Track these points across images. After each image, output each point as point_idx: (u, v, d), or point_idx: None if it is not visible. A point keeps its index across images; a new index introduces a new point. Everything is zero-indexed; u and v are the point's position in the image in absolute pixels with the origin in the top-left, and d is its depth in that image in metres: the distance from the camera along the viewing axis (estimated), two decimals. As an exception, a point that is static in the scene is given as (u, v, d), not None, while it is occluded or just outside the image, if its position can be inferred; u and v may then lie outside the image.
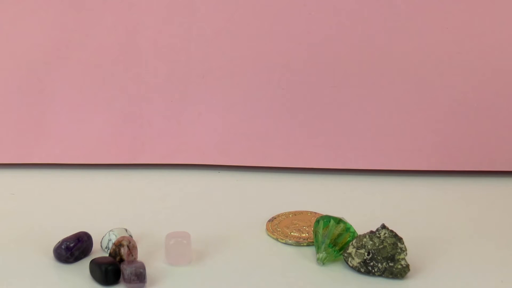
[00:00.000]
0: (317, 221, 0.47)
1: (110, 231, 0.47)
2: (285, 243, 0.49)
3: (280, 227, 0.50)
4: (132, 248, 0.45)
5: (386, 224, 0.46)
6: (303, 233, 0.49)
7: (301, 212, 0.53)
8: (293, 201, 0.57)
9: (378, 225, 0.46)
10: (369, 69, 0.60)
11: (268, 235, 0.50)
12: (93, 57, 0.62)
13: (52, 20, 0.61)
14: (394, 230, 0.45)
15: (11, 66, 0.62)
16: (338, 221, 0.47)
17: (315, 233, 0.47)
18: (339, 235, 0.46)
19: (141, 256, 0.46)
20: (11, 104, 0.63)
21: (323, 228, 0.46)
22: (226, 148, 0.63)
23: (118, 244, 0.44)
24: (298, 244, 0.48)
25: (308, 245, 0.48)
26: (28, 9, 0.61)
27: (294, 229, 0.50)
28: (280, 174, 0.63)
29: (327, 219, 0.47)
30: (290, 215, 0.53)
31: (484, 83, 0.59)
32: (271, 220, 0.52)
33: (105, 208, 0.55)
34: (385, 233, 0.45)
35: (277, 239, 0.49)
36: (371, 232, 0.45)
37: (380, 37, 0.59)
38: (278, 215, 0.53)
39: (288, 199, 0.57)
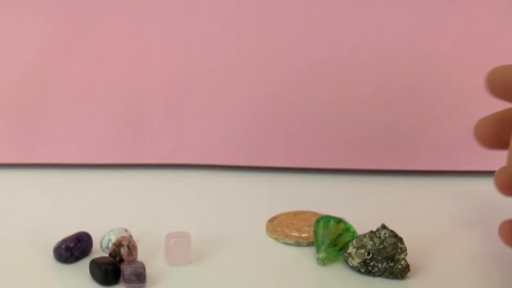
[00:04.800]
0: (317, 221, 0.47)
1: (110, 231, 0.47)
2: (285, 243, 0.49)
3: (280, 227, 0.50)
4: (132, 248, 0.45)
5: (386, 224, 0.46)
6: (303, 233, 0.49)
7: (301, 212, 0.53)
8: (293, 201, 0.57)
9: (378, 225, 0.46)
10: (369, 69, 0.60)
11: (268, 235, 0.50)
12: (93, 57, 0.62)
13: (52, 20, 0.61)
14: (394, 230, 0.45)
15: (11, 66, 0.62)
16: (338, 221, 0.47)
17: (315, 233, 0.47)
18: (339, 235, 0.46)
19: (141, 256, 0.46)
20: (11, 104, 0.63)
21: (323, 228, 0.46)
22: (226, 148, 0.63)
23: (118, 244, 0.44)
24: (298, 244, 0.48)
25: (308, 245, 0.48)
26: (28, 9, 0.61)
27: (294, 229, 0.50)
28: (280, 174, 0.63)
29: (327, 219, 0.47)
30: (290, 215, 0.53)
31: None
32: (271, 220, 0.52)
33: (105, 208, 0.55)
34: (385, 233, 0.45)
35: (277, 239, 0.49)
36: (371, 232, 0.45)
37: (380, 37, 0.59)
38: (278, 215, 0.53)
39: (288, 199, 0.57)
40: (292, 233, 0.49)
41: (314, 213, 0.53)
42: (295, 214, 0.53)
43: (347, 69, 0.60)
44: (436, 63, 0.60)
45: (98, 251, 0.47)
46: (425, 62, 0.60)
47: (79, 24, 0.61)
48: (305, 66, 0.61)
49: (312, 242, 0.48)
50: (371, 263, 0.44)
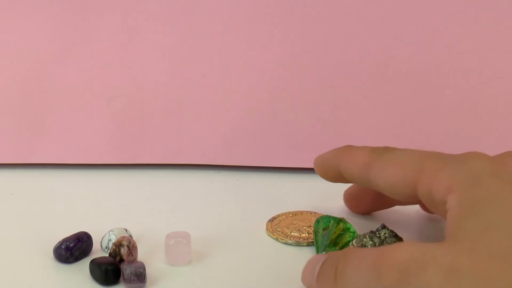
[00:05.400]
0: (317, 221, 0.47)
1: (110, 231, 0.47)
2: (285, 243, 0.49)
3: (280, 227, 0.50)
4: (132, 248, 0.45)
5: (386, 224, 0.46)
6: (303, 233, 0.49)
7: (301, 212, 0.53)
8: (293, 201, 0.57)
9: (378, 225, 0.46)
10: (368, 69, 0.60)
11: (268, 235, 0.50)
12: (93, 57, 0.62)
13: (52, 20, 0.61)
14: (394, 230, 0.45)
15: (12, 66, 0.62)
16: (338, 221, 0.47)
17: (315, 233, 0.47)
18: (339, 235, 0.46)
19: (141, 256, 0.46)
20: (12, 104, 0.63)
21: (323, 228, 0.46)
22: (226, 148, 0.63)
23: (118, 244, 0.44)
24: (298, 244, 0.48)
25: (308, 245, 0.48)
26: (28, 10, 0.61)
27: (294, 229, 0.50)
28: (280, 174, 0.63)
29: (327, 219, 0.47)
30: (290, 215, 0.53)
31: (486, 83, 0.60)
32: (271, 220, 0.52)
33: (105, 208, 0.55)
34: (385, 233, 0.45)
35: (277, 239, 0.49)
36: (371, 232, 0.45)
37: (379, 37, 0.59)
38: (278, 215, 0.53)
39: (288, 199, 0.57)
40: (292, 233, 0.49)
41: (314, 213, 0.53)
42: (295, 214, 0.53)
43: (346, 69, 0.60)
44: None
45: (98, 251, 0.47)
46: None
47: (79, 25, 0.61)
48: (306, 66, 0.61)
49: (312, 242, 0.48)
50: (371, 263, 0.44)
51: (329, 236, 0.46)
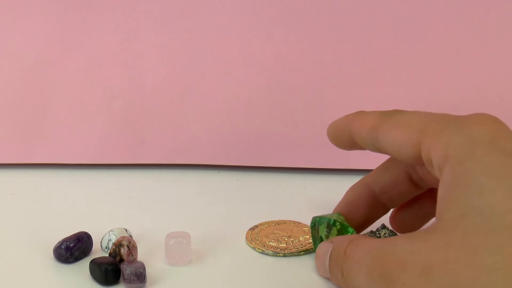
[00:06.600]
0: (317, 221, 0.47)
1: (110, 231, 0.47)
2: (262, 253, 0.47)
3: (260, 236, 0.49)
4: (132, 248, 0.45)
5: (386, 224, 0.46)
6: (281, 243, 0.48)
7: (284, 222, 0.52)
8: (293, 201, 0.57)
9: (378, 225, 0.46)
10: (368, 69, 0.60)
11: (247, 244, 0.49)
12: (93, 57, 0.62)
13: (52, 20, 0.61)
14: (394, 230, 0.45)
15: (12, 66, 0.62)
16: (337, 221, 0.47)
17: (314, 233, 0.47)
18: (338, 234, 0.46)
19: (141, 256, 0.46)
20: (12, 104, 0.63)
21: (322, 228, 0.46)
22: (226, 148, 0.63)
23: (118, 244, 0.44)
24: (275, 254, 0.47)
25: (284, 255, 0.47)
26: (28, 9, 0.61)
27: (273, 239, 0.49)
28: (280, 174, 0.63)
29: (326, 219, 0.47)
30: (273, 224, 0.51)
31: (487, 84, 0.60)
32: (252, 229, 0.51)
33: (105, 208, 0.55)
34: (385, 233, 0.45)
35: (254, 248, 0.48)
36: (371, 232, 0.45)
37: (380, 37, 0.59)
38: (261, 224, 0.51)
39: (288, 199, 0.57)
40: (270, 243, 0.48)
41: (297, 223, 0.51)
42: (278, 223, 0.52)
43: (346, 69, 0.60)
44: None
45: (98, 251, 0.47)
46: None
47: (78, 24, 0.61)
48: (306, 66, 0.61)
49: (290, 253, 0.47)
50: (371, 263, 0.44)
51: (328, 236, 0.46)
